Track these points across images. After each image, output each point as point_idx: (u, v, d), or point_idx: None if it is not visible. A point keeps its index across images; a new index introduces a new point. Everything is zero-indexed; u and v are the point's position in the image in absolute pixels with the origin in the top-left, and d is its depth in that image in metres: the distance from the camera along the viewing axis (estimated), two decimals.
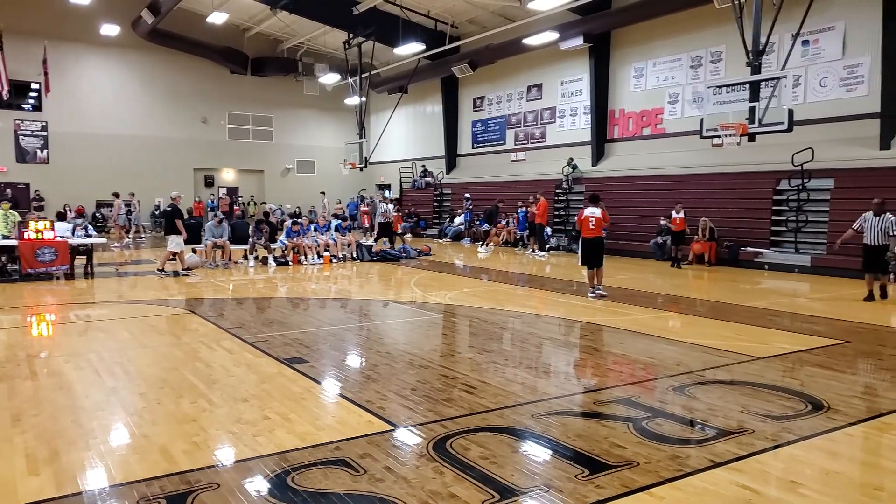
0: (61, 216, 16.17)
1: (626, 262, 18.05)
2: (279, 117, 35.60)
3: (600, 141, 23.43)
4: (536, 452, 4.61)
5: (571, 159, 23.46)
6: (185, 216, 16.07)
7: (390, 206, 21.51)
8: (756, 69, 14.04)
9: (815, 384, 6.30)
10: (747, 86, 14.26)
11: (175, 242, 15.12)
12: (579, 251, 12.28)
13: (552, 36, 22.54)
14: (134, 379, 6.46)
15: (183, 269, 15.23)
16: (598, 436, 4.85)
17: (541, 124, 26.43)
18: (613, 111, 23.17)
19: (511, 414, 5.39)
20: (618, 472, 4.20)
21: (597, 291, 11.85)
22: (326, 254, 17.89)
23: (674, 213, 17.06)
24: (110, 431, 4.99)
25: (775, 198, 17.32)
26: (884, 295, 11.63)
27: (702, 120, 15.21)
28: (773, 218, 17.30)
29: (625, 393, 5.99)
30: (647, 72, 21.97)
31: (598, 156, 23.44)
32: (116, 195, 25.00)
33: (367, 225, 22.45)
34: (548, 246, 21.35)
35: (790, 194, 16.70)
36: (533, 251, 20.54)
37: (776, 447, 4.66)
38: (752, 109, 13.89)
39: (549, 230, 21.89)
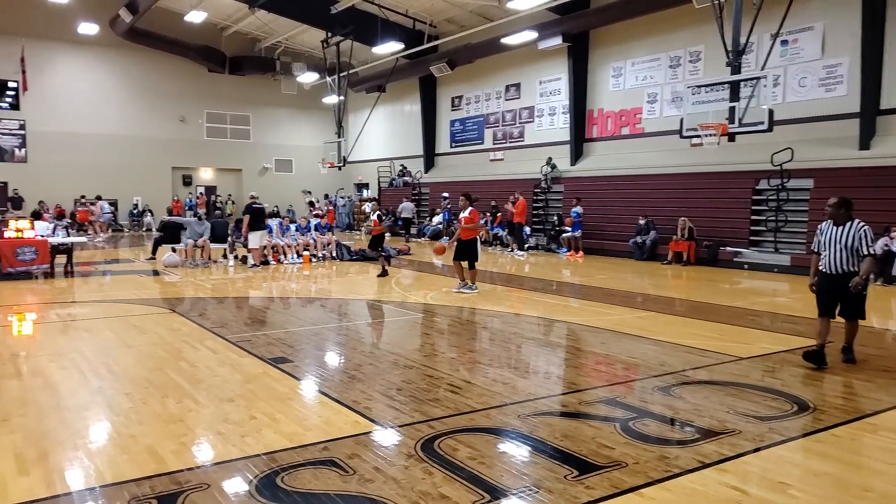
0: (37, 215, 15.95)
1: (605, 262, 18.17)
2: (257, 116, 35.36)
3: (579, 140, 23.52)
4: (524, 453, 4.62)
5: (550, 159, 23.55)
6: (265, 212, 16.99)
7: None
8: (736, 69, 14.12)
9: (799, 384, 6.36)
10: (727, 85, 14.35)
11: (257, 237, 16.21)
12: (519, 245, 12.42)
13: (531, 35, 22.59)
14: (119, 379, 6.40)
15: (258, 263, 16.21)
16: (585, 436, 4.87)
17: (519, 124, 26.48)
18: (592, 111, 23.26)
19: (497, 414, 5.40)
20: (607, 473, 4.21)
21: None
22: (306, 253, 17.81)
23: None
24: (98, 432, 4.95)
25: (755, 197, 17.48)
26: (848, 357, 7.15)
27: (681, 120, 15.31)
28: (753, 218, 17.45)
29: (610, 393, 6.01)
30: (625, 71, 22.09)
31: (576, 155, 23.54)
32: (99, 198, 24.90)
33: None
34: (527, 245, 21.40)
35: (770, 194, 16.86)
36: (512, 251, 20.59)
37: (763, 448, 4.69)
38: (731, 109, 13.97)
39: (527, 229, 21.94)
